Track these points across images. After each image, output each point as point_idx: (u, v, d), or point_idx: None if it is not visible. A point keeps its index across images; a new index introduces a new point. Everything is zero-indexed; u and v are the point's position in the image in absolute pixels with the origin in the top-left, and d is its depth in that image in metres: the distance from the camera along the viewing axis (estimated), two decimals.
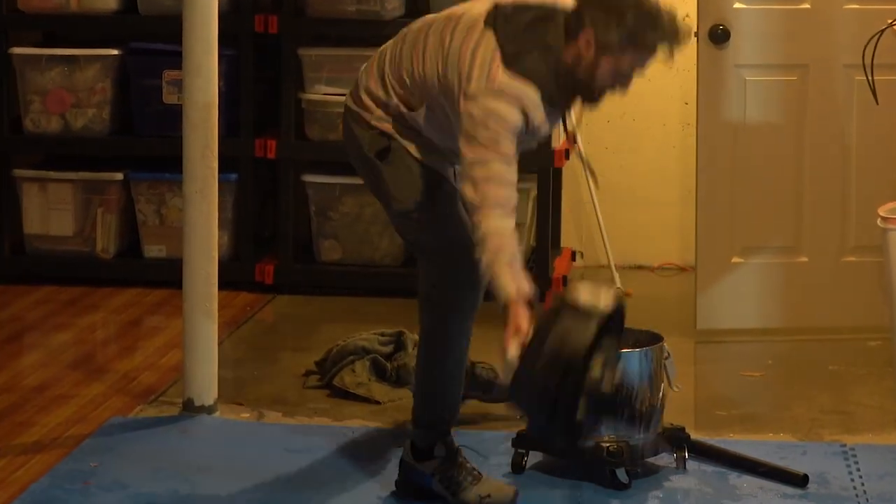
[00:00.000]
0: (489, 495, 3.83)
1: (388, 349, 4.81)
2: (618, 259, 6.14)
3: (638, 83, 6.40)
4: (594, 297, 3.53)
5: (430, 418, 3.91)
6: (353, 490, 3.97)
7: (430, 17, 3.94)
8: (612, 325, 3.55)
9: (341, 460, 4.16)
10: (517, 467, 4.08)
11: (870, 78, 4.79)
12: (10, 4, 6.01)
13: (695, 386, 4.93)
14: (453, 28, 3.79)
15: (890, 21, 4.95)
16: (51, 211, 5.96)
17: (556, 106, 3.78)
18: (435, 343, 3.83)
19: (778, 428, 4.48)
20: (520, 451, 4.08)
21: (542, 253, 5.82)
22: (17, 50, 5.95)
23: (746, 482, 4.04)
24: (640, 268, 6.34)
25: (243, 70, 5.88)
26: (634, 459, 4.01)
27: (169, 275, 5.47)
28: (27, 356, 5.20)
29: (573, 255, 6.31)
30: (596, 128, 6.20)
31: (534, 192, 5.85)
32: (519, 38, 3.71)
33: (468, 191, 3.66)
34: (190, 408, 4.48)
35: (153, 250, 5.98)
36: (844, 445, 4.31)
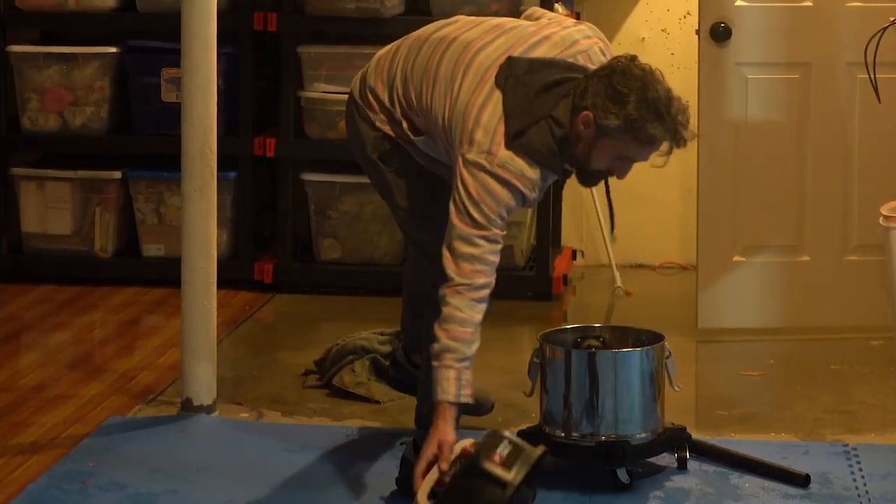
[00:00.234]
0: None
1: (388, 348, 4.79)
2: (619, 258, 6.13)
3: None
4: (507, 466, 3.58)
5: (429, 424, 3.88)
6: (352, 490, 3.95)
7: (445, 30, 3.84)
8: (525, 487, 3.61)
9: (341, 460, 4.15)
10: None
11: (872, 76, 4.77)
12: (7, 2, 6.00)
13: (696, 385, 4.92)
14: (465, 68, 3.71)
15: (892, 19, 4.93)
16: (49, 210, 5.95)
17: (559, 174, 3.74)
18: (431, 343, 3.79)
19: (780, 428, 4.47)
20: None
21: (543, 252, 5.81)
22: (14, 48, 5.95)
23: (748, 482, 4.03)
24: (640, 266, 6.34)
25: (242, 68, 5.87)
26: (635, 459, 4.00)
27: (167, 274, 5.46)
28: (25, 356, 5.19)
29: (573, 254, 6.30)
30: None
31: None
32: (526, 108, 3.62)
33: (447, 258, 3.62)
34: (188, 407, 4.47)
35: (152, 249, 5.97)
36: (847, 445, 4.29)
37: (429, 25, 3.94)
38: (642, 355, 4.04)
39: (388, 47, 3.98)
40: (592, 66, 3.74)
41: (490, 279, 3.67)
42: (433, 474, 3.68)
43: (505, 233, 3.69)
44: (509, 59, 3.68)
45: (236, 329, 5.43)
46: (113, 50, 5.94)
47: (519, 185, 3.63)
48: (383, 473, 4.03)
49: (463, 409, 3.83)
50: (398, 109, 3.83)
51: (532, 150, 3.63)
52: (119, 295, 5.81)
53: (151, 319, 5.57)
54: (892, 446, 4.30)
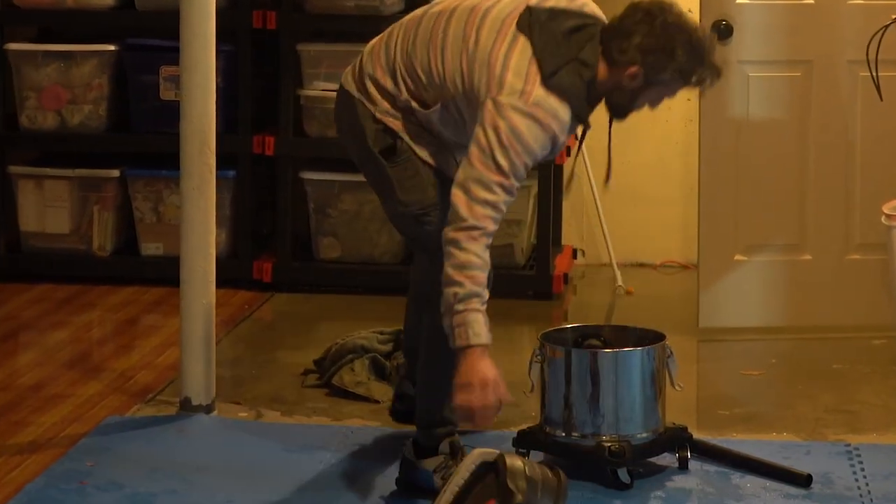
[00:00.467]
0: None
1: (388, 348, 4.79)
2: (619, 257, 6.12)
3: None
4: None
5: (435, 417, 3.88)
6: (352, 490, 3.94)
7: (442, 5, 3.81)
8: None
9: (340, 460, 4.14)
10: None
11: (874, 74, 4.77)
12: None
13: (697, 385, 4.92)
14: (478, 24, 3.69)
15: (894, 16, 4.92)
16: (47, 208, 5.95)
17: (581, 121, 3.73)
18: (439, 341, 3.73)
19: (781, 427, 4.46)
20: (521, 450, 4.06)
21: (543, 250, 5.79)
22: (12, 46, 5.94)
23: (749, 482, 4.02)
24: (641, 265, 6.33)
25: (241, 66, 5.86)
26: (636, 459, 3.98)
27: (166, 273, 5.45)
28: (23, 355, 5.19)
29: (574, 253, 6.29)
30: (597, 124, 6.16)
31: (535, 189, 5.83)
32: (556, 50, 3.63)
33: (460, 199, 3.59)
34: (187, 407, 4.46)
35: (150, 248, 5.97)
36: (849, 445, 4.28)
37: (419, 9, 3.90)
38: (643, 355, 4.03)
39: (378, 37, 3.93)
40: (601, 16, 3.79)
41: (496, 228, 3.64)
42: (450, 494, 3.55)
43: (520, 186, 3.67)
44: (528, 7, 3.69)
45: (235, 328, 5.43)
46: (111, 48, 5.93)
47: (553, 125, 3.61)
48: (383, 473, 4.02)
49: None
50: (403, 91, 3.77)
51: (565, 90, 3.63)
52: (117, 294, 5.81)
53: (150, 318, 5.57)
54: (895, 446, 4.29)
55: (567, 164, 6.15)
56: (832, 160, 5.35)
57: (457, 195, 3.60)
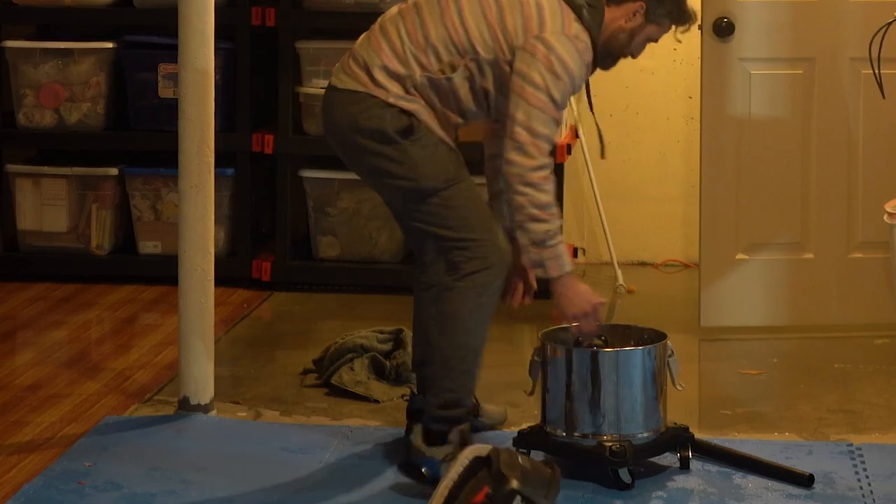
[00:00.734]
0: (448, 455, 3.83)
1: (387, 347, 4.79)
2: (620, 255, 6.12)
3: (641, 77, 6.40)
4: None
5: (448, 404, 3.90)
6: (352, 489, 3.93)
7: None
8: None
9: (340, 459, 4.13)
10: None
11: (877, 72, 4.74)
12: None
13: (699, 384, 4.91)
14: None
15: None
16: (44, 207, 5.94)
17: (595, 64, 3.97)
18: (458, 326, 3.87)
19: (783, 427, 4.45)
20: (521, 450, 4.04)
21: None
22: (10, 43, 5.93)
23: (751, 482, 4.01)
24: (643, 264, 6.31)
25: (240, 63, 5.85)
26: (637, 459, 3.97)
27: (164, 271, 5.46)
28: (20, 354, 5.18)
29: (575, 252, 6.27)
30: (598, 121, 6.15)
31: None
32: None
33: (525, 138, 3.79)
34: (186, 406, 4.45)
35: (148, 246, 5.96)
36: (851, 445, 4.28)
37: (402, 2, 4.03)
38: (644, 354, 4.02)
39: (363, 35, 4.04)
40: None
41: None
42: (444, 489, 3.60)
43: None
44: None
45: (234, 327, 5.42)
46: (109, 45, 5.93)
47: (587, 56, 3.89)
48: (383, 473, 4.02)
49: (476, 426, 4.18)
50: (417, 71, 3.88)
51: (589, 28, 3.92)
52: (115, 293, 5.80)
53: (148, 317, 5.56)
54: None
55: (568, 162, 6.13)
56: (834, 158, 5.33)
57: (521, 134, 3.82)
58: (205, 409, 4.45)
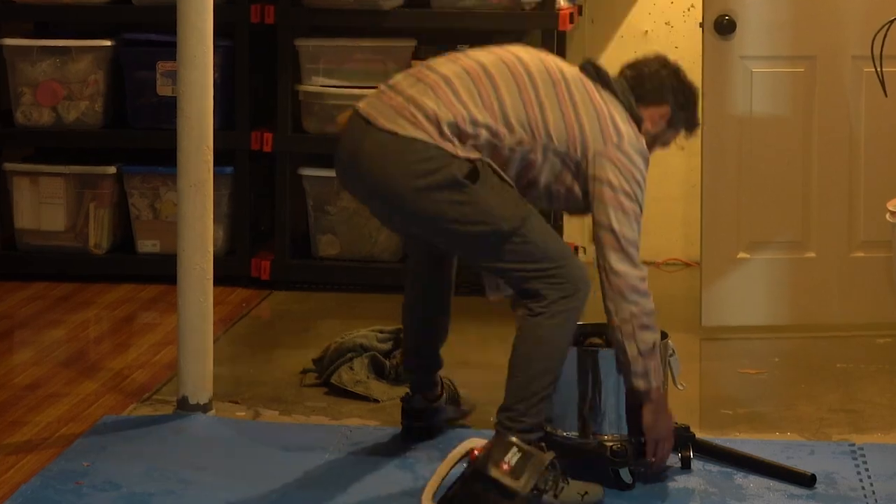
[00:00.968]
0: (586, 493, 3.82)
1: (387, 346, 4.78)
2: None
3: None
4: (515, 475, 3.58)
5: (534, 420, 3.87)
6: (351, 489, 3.92)
7: (506, 57, 3.94)
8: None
9: (339, 459, 4.12)
10: None
11: (878, 69, 4.73)
12: None
13: (700, 384, 4.90)
14: (565, 85, 3.92)
15: None
16: (42, 205, 5.93)
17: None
18: (545, 353, 3.87)
19: (785, 427, 4.44)
20: None
21: None
22: (7, 41, 5.92)
23: (753, 482, 4.00)
24: (643, 263, 6.27)
25: (239, 61, 5.84)
26: (638, 459, 3.96)
27: (163, 270, 5.45)
28: (18, 353, 5.17)
29: (576, 250, 6.25)
30: None
31: None
32: (629, 101, 4.01)
33: (624, 249, 3.88)
34: (184, 406, 4.44)
35: (147, 245, 5.95)
36: (853, 445, 4.26)
37: (465, 58, 3.98)
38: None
39: (415, 76, 3.95)
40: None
41: None
42: (439, 473, 3.64)
43: None
44: (586, 64, 4.03)
45: (233, 326, 5.41)
46: (108, 43, 5.91)
47: (648, 163, 4.00)
48: (382, 473, 4.01)
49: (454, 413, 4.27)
50: (484, 133, 3.85)
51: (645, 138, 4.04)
52: (114, 292, 5.79)
53: (147, 317, 5.55)
54: None
55: None
56: (836, 156, 5.32)
57: (627, 246, 3.90)
58: (203, 408, 4.44)
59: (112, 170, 5.94)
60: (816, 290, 5.37)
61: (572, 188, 3.94)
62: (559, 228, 6.14)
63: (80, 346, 5.20)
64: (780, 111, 5.31)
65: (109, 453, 4.13)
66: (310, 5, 5.79)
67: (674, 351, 4.07)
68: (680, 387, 4.08)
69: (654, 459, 3.95)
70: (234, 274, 5.84)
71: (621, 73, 4.09)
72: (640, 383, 3.89)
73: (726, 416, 4.52)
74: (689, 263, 6.21)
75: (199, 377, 4.43)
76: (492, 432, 3.92)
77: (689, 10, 6.14)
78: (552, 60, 3.99)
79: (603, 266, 3.89)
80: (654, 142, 4.08)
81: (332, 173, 5.77)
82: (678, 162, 6.27)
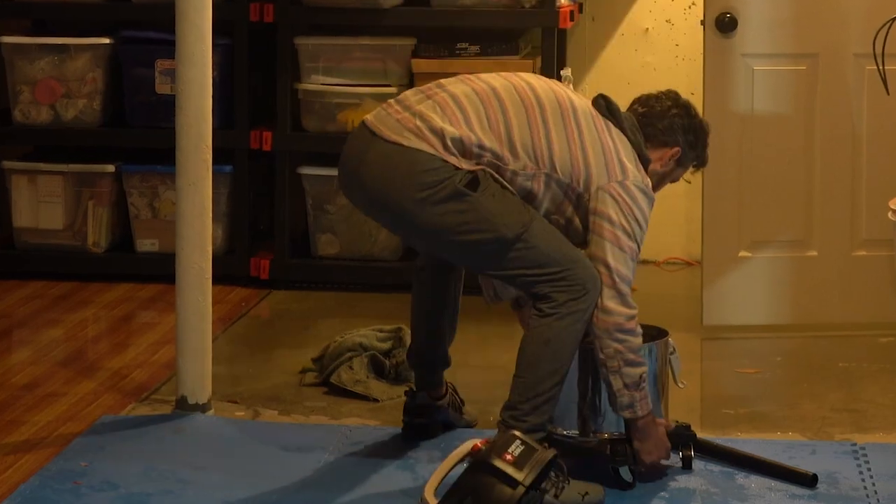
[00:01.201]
0: (587, 493, 3.81)
1: (387, 346, 4.77)
2: None
3: (643, 73, 6.36)
4: (518, 465, 3.59)
5: (538, 420, 3.86)
6: (351, 489, 3.91)
7: (517, 83, 3.95)
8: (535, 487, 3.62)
9: (339, 459, 4.12)
10: None
11: (880, 67, 4.71)
12: None
13: (701, 383, 4.90)
14: (574, 117, 3.92)
15: None
16: (40, 204, 5.92)
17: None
18: (553, 354, 3.86)
19: (787, 426, 4.43)
20: None
21: None
22: (5, 38, 5.91)
23: (754, 482, 3.99)
24: (644, 262, 6.27)
25: (238, 59, 5.83)
26: (639, 458, 3.96)
27: (162, 269, 5.45)
28: (16, 353, 5.16)
29: None
30: None
31: None
32: (637, 138, 4.01)
33: (619, 287, 3.84)
34: (183, 406, 4.43)
35: (146, 244, 5.94)
36: (855, 444, 4.25)
37: (474, 80, 3.99)
38: (646, 352, 3.98)
39: (423, 93, 3.96)
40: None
41: None
42: (442, 469, 3.63)
43: None
44: (599, 98, 4.02)
45: (232, 326, 5.40)
46: (106, 41, 5.90)
47: (652, 203, 3.98)
48: (382, 472, 4.00)
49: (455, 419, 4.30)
50: (489, 155, 3.86)
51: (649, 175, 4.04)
52: (112, 291, 5.78)
53: (145, 316, 5.54)
54: None
55: None
56: (838, 155, 5.31)
57: (619, 284, 3.88)
58: (202, 408, 4.43)
59: (111, 168, 5.93)
60: (818, 289, 5.36)
61: (572, 220, 3.95)
62: None
63: (79, 346, 5.19)
64: (781, 109, 5.30)
65: (108, 453, 4.12)
66: (309, 3, 5.77)
67: (674, 349, 4.07)
68: (681, 385, 4.08)
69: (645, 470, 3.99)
70: (233, 273, 5.83)
71: (631, 107, 4.10)
72: (626, 413, 3.91)
73: (728, 416, 4.51)
74: (691, 262, 6.20)
75: (198, 377, 4.42)
76: (493, 432, 3.91)
77: (690, 7, 6.13)
78: (563, 91, 3.99)
79: None
80: (662, 180, 4.10)
81: (331, 172, 5.80)
82: None
